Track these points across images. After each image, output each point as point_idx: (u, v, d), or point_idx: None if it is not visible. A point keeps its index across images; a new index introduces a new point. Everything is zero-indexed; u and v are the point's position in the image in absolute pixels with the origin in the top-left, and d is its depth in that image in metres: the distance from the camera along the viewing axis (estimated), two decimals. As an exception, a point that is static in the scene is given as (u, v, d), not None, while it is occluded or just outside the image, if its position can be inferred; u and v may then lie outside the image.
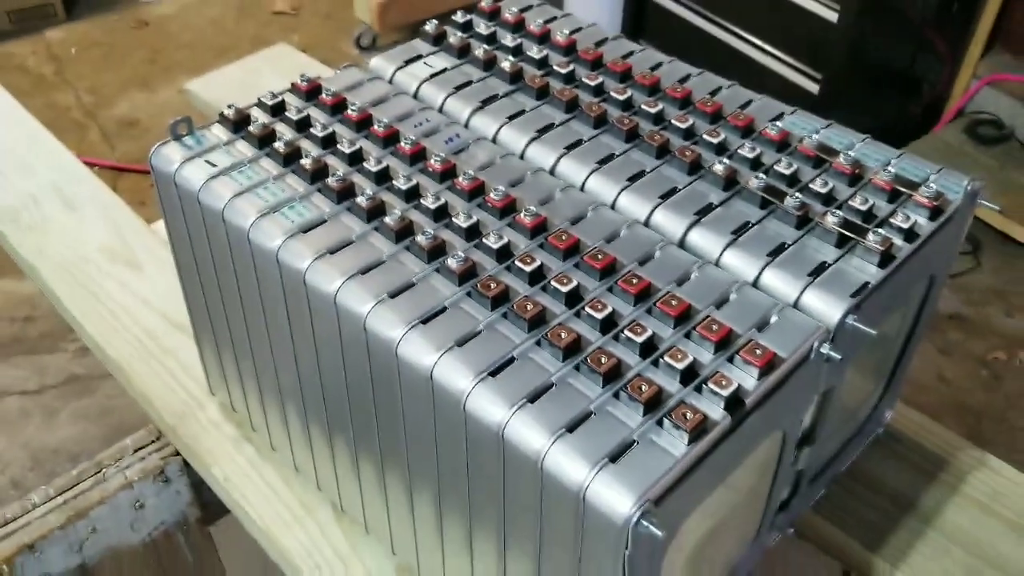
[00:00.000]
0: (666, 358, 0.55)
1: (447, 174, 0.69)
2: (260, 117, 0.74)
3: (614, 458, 0.51)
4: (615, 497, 0.49)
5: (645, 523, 0.48)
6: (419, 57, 0.83)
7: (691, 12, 2.30)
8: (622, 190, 0.69)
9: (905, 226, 0.64)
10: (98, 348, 0.96)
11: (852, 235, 0.63)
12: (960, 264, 2.06)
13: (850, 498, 0.82)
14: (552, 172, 0.72)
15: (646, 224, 0.67)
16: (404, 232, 0.64)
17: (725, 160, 0.69)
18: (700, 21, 2.27)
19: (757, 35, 2.16)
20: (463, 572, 0.67)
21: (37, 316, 1.91)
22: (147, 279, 1.02)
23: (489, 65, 0.81)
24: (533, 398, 0.54)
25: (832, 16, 1.95)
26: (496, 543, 0.61)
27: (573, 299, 0.59)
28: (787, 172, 0.68)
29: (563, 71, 0.79)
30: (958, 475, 0.84)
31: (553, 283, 0.60)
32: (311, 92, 0.76)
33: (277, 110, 0.74)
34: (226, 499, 0.83)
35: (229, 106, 0.73)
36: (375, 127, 0.72)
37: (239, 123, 0.73)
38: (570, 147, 0.73)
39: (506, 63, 0.79)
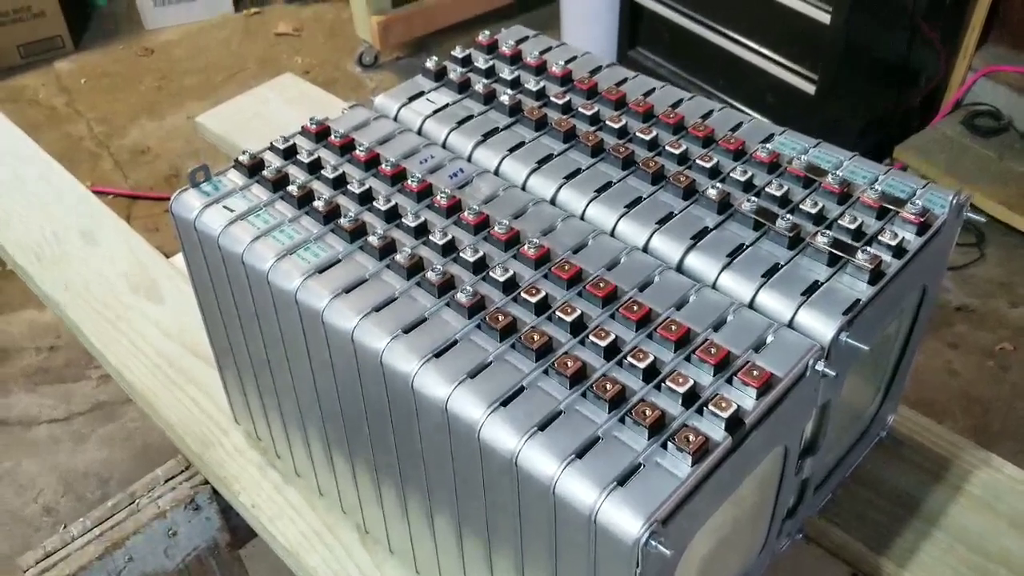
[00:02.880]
0: (668, 382, 0.58)
1: (453, 209, 0.72)
2: (273, 161, 0.77)
3: (622, 481, 0.54)
4: (624, 519, 0.52)
5: (654, 543, 0.51)
6: (422, 94, 0.86)
7: (687, 19, 2.32)
8: (620, 217, 0.72)
9: (893, 243, 0.67)
10: (121, 378, 1.00)
11: (842, 254, 0.66)
12: (965, 256, 2.08)
13: (856, 501, 0.85)
14: (553, 202, 0.75)
15: (644, 250, 0.70)
16: (415, 269, 0.67)
17: (718, 184, 0.72)
18: (696, 27, 2.29)
19: (752, 39, 2.18)
20: (484, 589, 0.70)
21: (61, 345, 1.96)
22: (167, 309, 1.05)
23: (489, 99, 0.84)
24: (543, 426, 0.57)
25: (824, 17, 1.97)
26: (514, 563, 0.64)
27: (577, 328, 0.62)
28: (778, 194, 0.71)
29: (560, 101, 0.82)
30: (961, 475, 0.87)
31: (558, 313, 0.63)
32: (320, 134, 0.80)
33: (289, 153, 0.78)
34: (254, 524, 0.86)
35: (244, 152, 0.76)
36: (383, 166, 0.75)
37: (253, 168, 0.76)
38: (569, 176, 0.76)
39: (505, 96, 0.83)
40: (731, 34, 2.22)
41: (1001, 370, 1.85)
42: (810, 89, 2.07)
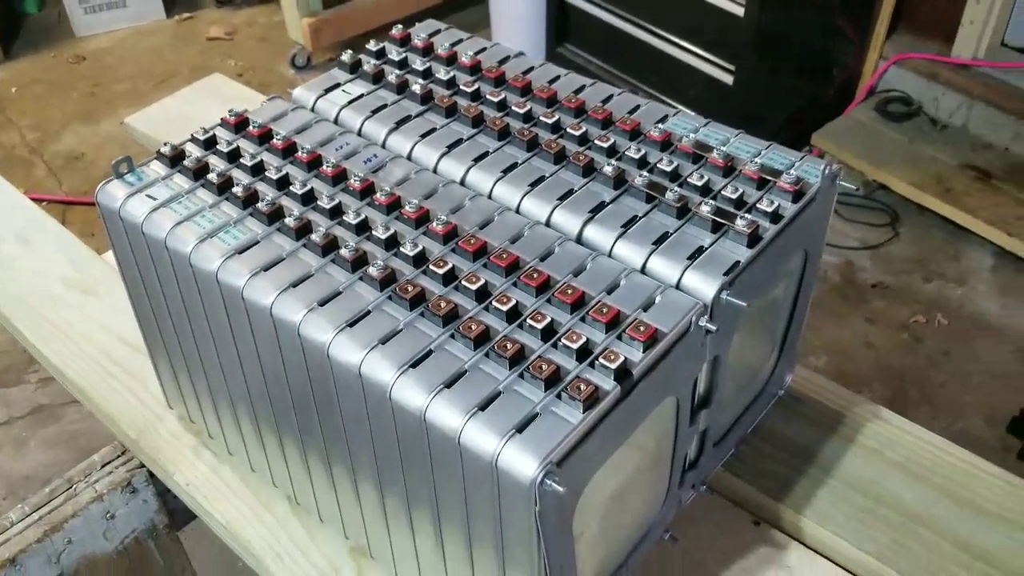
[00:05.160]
0: (563, 340, 0.63)
1: (366, 191, 0.76)
2: (194, 151, 0.81)
3: (520, 429, 0.59)
4: (522, 462, 0.57)
5: (549, 482, 0.56)
6: (337, 85, 0.90)
7: (612, 15, 2.39)
8: (524, 195, 0.77)
9: (770, 210, 0.73)
10: (60, 373, 1.03)
11: (724, 221, 0.72)
12: (880, 236, 2.18)
13: (757, 455, 0.91)
14: (462, 183, 0.80)
15: (547, 224, 0.75)
16: (329, 247, 0.71)
17: (614, 162, 0.78)
18: (620, 23, 2.37)
19: (673, 33, 2.25)
20: (407, 545, 0.74)
21: (-2, 351, 1.96)
22: (102, 305, 1.08)
23: (401, 89, 0.89)
24: (449, 384, 0.62)
25: (738, 11, 2.05)
26: (431, 515, 0.69)
27: (482, 295, 0.67)
28: (668, 169, 0.77)
29: (468, 90, 0.87)
30: (854, 427, 0.93)
31: (464, 282, 0.68)
32: (239, 125, 0.84)
33: (209, 144, 0.82)
34: (190, 502, 0.90)
35: (165, 143, 0.80)
36: (299, 153, 0.80)
37: (175, 158, 0.80)
38: (477, 159, 0.81)
39: (416, 86, 0.87)
40: (653, 28, 2.29)
41: (915, 342, 1.94)
42: (729, 80, 2.15)
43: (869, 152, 2.25)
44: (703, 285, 0.69)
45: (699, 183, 0.76)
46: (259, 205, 0.74)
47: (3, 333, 1.13)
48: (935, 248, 2.15)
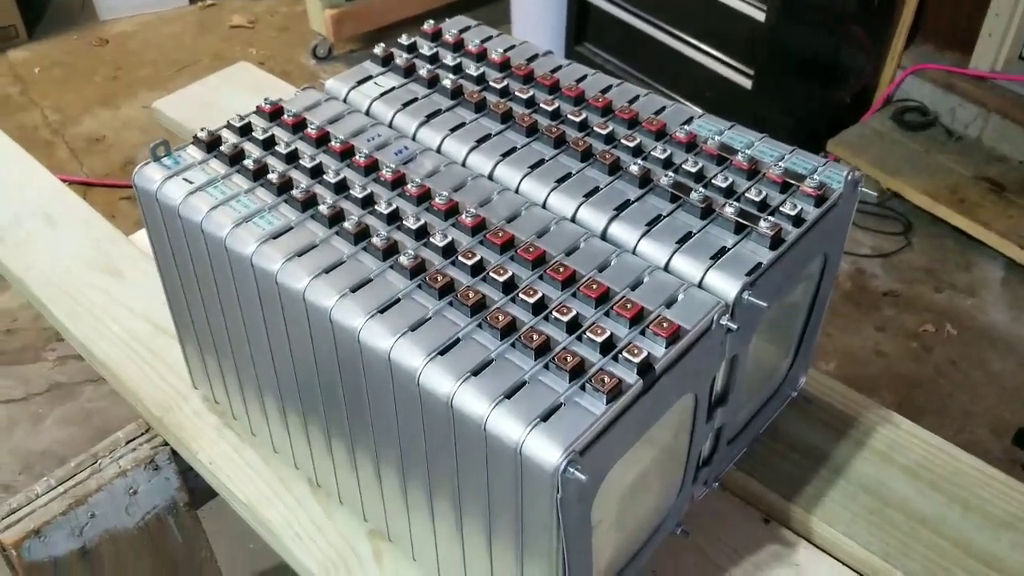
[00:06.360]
0: (588, 333, 0.65)
1: (397, 183, 0.78)
2: (230, 138, 0.83)
3: (545, 418, 0.60)
4: (546, 449, 0.59)
5: (572, 470, 0.58)
6: (370, 78, 0.92)
7: (632, 16, 2.40)
8: (551, 191, 0.79)
9: (793, 213, 0.75)
10: (86, 351, 1.05)
11: (747, 223, 0.74)
12: (893, 244, 2.19)
13: (769, 454, 0.92)
14: (490, 177, 0.82)
15: (572, 220, 0.77)
16: (361, 235, 0.73)
17: (640, 161, 0.80)
18: (640, 24, 2.38)
19: (693, 36, 2.27)
20: (427, 531, 0.76)
21: (17, 328, 1.98)
22: (129, 287, 1.10)
23: (432, 83, 0.90)
24: (476, 372, 0.63)
25: (760, 15, 2.06)
26: (453, 501, 0.70)
27: (509, 287, 0.69)
28: (693, 170, 0.79)
29: (498, 86, 0.89)
30: (863, 430, 0.95)
31: (491, 274, 0.69)
32: (274, 113, 0.85)
33: (245, 131, 0.83)
34: (212, 481, 0.91)
35: (202, 128, 0.82)
36: (332, 143, 0.82)
37: (211, 144, 0.82)
38: (505, 154, 0.82)
39: (447, 81, 0.89)
40: (673, 30, 2.31)
41: (925, 351, 1.96)
42: (747, 84, 2.16)
43: (884, 160, 2.26)
44: (725, 285, 0.70)
45: (723, 185, 0.77)
46: (293, 192, 0.76)
47: (24, 311, 1.15)
48: (947, 258, 2.17)
